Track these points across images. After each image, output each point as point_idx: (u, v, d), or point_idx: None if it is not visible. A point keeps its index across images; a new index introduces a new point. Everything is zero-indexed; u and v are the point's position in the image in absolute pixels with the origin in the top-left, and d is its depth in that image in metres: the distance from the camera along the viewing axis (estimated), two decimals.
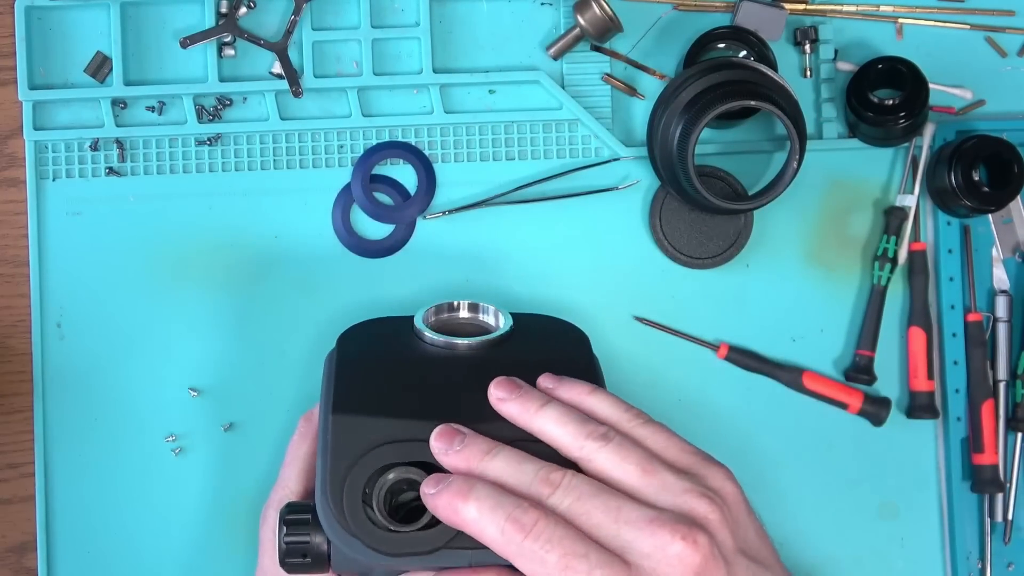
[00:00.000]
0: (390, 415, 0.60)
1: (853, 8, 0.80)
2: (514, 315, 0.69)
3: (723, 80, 0.72)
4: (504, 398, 0.60)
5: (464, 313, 0.70)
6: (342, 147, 0.79)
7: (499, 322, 0.69)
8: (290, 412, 0.76)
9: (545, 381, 0.62)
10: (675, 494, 0.55)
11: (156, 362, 0.78)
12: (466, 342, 0.66)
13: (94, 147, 0.79)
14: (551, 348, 0.66)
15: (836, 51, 0.79)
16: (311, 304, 0.78)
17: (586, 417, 0.59)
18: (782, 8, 0.78)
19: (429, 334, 0.66)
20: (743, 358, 0.78)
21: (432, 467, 0.58)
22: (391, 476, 0.58)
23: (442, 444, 0.58)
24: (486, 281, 0.79)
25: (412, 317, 0.69)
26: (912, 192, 0.78)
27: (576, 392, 0.61)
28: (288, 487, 0.69)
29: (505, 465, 0.57)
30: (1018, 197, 0.77)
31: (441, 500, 0.55)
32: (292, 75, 0.78)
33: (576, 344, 0.69)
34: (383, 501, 0.58)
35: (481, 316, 0.70)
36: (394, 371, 0.64)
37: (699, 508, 0.55)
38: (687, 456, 0.58)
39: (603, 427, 0.58)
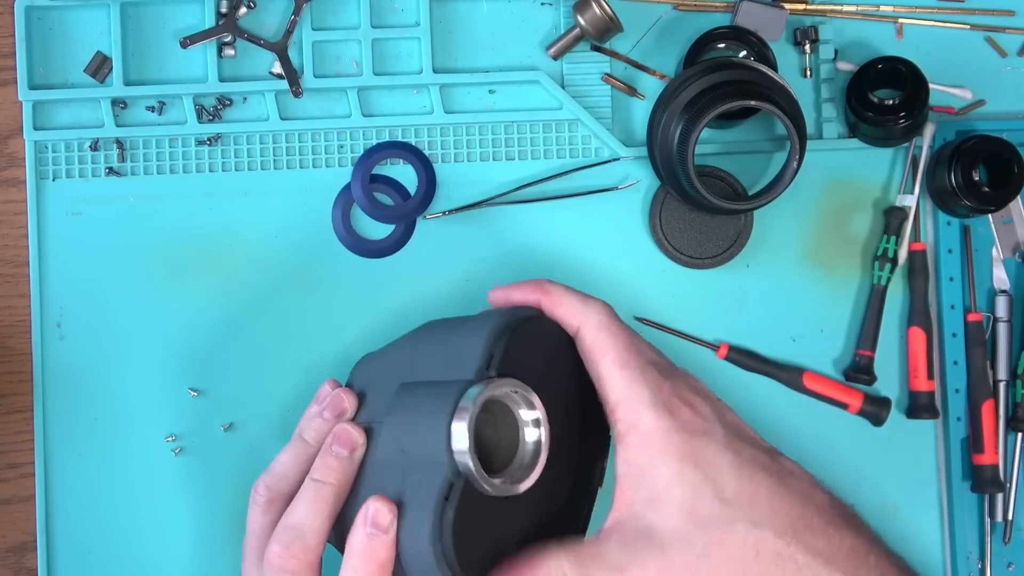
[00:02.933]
0: None
1: (853, 8, 0.80)
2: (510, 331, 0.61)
3: (723, 80, 0.72)
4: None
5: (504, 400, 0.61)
6: (342, 147, 0.79)
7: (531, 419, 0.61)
8: (290, 412, 0.76)
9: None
10: None
11: (156, 362, 0.78)
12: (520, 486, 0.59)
13: (94, 147, 0.79)
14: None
15: (836, 51, 0.79)
16: (311, 304, 0.78)
17: None
18: (782, 8, 0.78)
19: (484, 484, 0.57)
20: (743, 358, 0.78)
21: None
22: None
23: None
24: (486, 281, 0.79)
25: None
26: (912, 192, 0.78)
27: None
28: None
29: None
30: (1018, 197, 0.77)
31: None
32: (292, 75, 0.78)
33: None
34: None
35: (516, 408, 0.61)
36: None
37: None
38: None
39: None
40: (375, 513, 0.56)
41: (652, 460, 0.57)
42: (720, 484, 0.56)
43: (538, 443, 0.60)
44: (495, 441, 0.59)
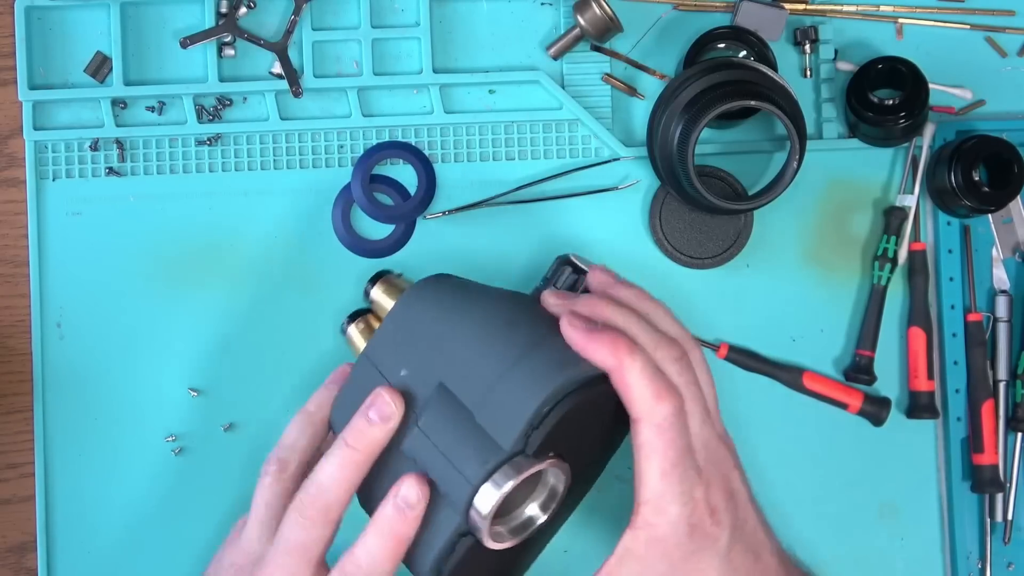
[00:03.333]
0: None
1: (853, 8, 0.80)
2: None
3: (723, 80, 0.72)
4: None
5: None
6: (342, 147, 0.79)
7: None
8: (290, 412, 0.76)
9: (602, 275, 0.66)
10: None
11: (156, 362, 0.78)
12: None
13: (94, 147, 0.79)
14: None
15: (836, 51, 0.79)
16: (311, 304, 0.78)
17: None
18: (782, 8, 0.78)
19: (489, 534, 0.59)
20: (743, 358, 0.78)
21: None
22: None
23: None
24: (486, 281, 0.79)
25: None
26: (912, 192, 0.78)
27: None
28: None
29: None
30: (1018, 197, 0.77)
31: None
32: (292, 75, 0.78)
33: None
34: None
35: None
36: None
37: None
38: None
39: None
40: (407, 492, 0.59)
41: (651, 559, 0.59)
42: None
43: (531, 520, 0.61)
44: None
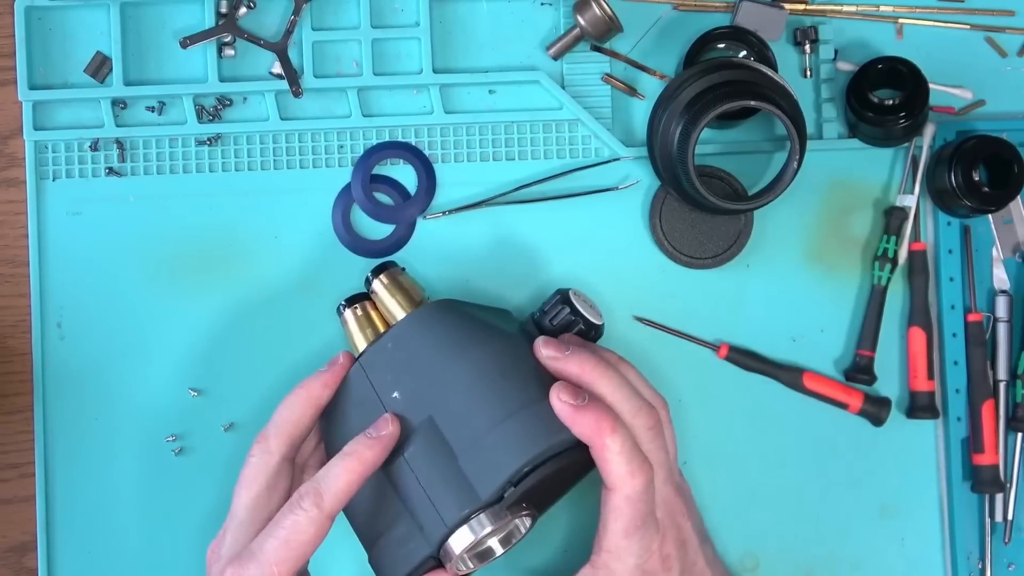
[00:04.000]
0: None
1: (853, 8, 0.80)
2: None
3: (723, 80, 0.72)
4: (556, 356, 0.66)
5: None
6: (342, 147, 0.79)
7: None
8: None
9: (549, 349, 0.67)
10: None
11: (156, 362, 0.78)
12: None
13: (94, 147, 0.79)
14: None
15: (836, 51, 0.79)
16: (311, 304, 0.78)
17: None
18: (782, 8, 0.78)
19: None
20: (743, 358, 0.78)
21: None
22: None
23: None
24: (486, 281, 0.79)
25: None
26: (912, 192, 0.78)
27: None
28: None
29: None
30: (1018, 197, 0.77)
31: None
32: (292, 75, 0.78)
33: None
34: None
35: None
36: None
37: None
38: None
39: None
40: (381, 423, 0.65)
41: None
42: None
43: (491, 551, 0.66)
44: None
